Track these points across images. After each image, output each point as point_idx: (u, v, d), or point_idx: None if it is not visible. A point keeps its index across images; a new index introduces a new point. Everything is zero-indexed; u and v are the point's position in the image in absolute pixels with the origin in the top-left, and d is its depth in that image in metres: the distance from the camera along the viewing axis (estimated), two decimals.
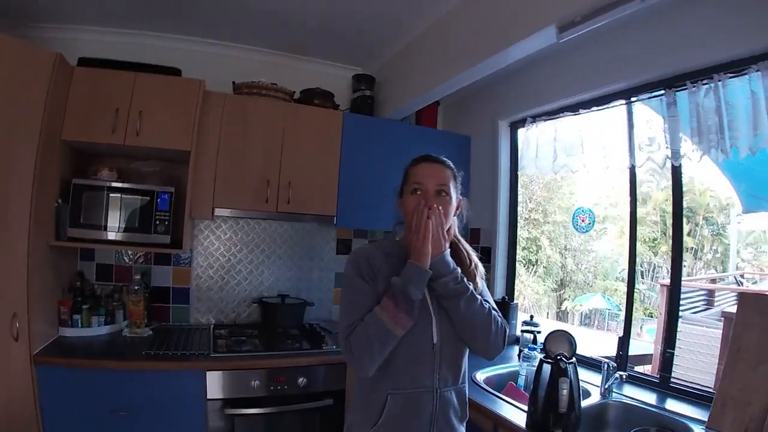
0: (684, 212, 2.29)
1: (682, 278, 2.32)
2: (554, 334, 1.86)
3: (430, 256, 1.33)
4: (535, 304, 8.99)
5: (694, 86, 2.03)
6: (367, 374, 1.36)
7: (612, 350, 2.34)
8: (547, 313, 9.29)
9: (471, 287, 1.37)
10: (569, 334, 1.86)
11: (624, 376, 2.12)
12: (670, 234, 2.37)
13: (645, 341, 6.21)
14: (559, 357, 1.73)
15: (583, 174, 2.70)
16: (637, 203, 2.51)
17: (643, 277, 8.94)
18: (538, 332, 2.67)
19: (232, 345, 2.48)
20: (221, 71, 2.89)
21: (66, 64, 2.27)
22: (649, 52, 2.15)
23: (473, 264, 1.49)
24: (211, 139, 2.59)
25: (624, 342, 2.35)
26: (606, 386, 2.05)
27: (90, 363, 2.16)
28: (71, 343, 2.34)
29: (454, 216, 1.48)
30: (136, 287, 2.62)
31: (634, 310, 2.59)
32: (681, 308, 5.18)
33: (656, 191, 7.90)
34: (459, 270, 1.38)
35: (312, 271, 3.25)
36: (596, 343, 2.74)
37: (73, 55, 2.38)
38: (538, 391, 1.73)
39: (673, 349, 2.22)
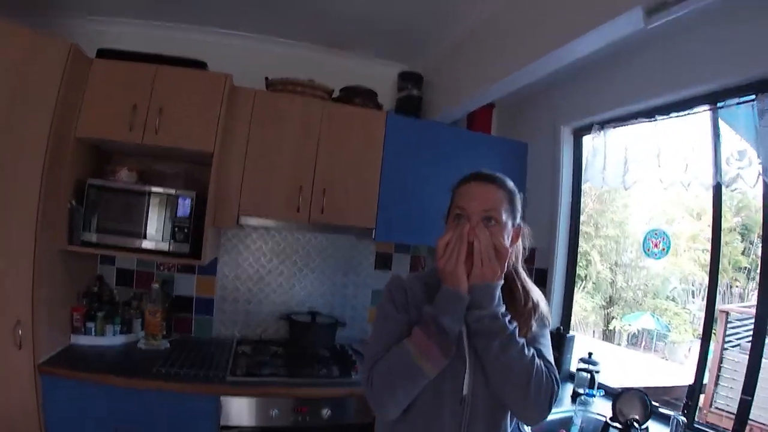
0: (739, 229, 1.96)
1: (741, 306, 1.97)
2: (627, 395, 1.64)
3: (466, 281, 1.12)
4: (581, 322, 8.54)
5: None
6: (388, 416, 1.20)
7: (658, 377, 1.99)
8: (593, 332, 8.80)
9: (514, 329, 1.13)
10: (643, 393, 1.58)
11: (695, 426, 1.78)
12: (724, 252, 1.99)
13: (691, 365, 5.76)
14: (630, 422, 1.43)
15: (657, 188, 2.31)
16: (691, 218, 2.17)
17: (693, 297, 8.38)
18: (597, 372, 2.35)
19: (253, 367, 2.24)
20: (253, 66, 2.66)
21: (82, 56, 2.12)
22: (739, 49, 1.83)
23: (531, 303, 1.24)
24: (238, 140, 2.37)
25: (696, 390, 2.02)
26: None
27: (95, 377, 2.00)
28: (82, 353, 2.20)
29: (510, 247, 1.22)
30: (154, 297, 2.43)
31: (683, 330, 2.23)
32: (737, 336, 4.67)
33: (710, 206, 7.39)
34: (503, 308, 1.14)
35: (347, 287, 2.98)
36: (645, 368, 2.40)
37: (94, 46, 2.23)
38: None
39: (753, 396, 1.84)
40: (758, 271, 2.04)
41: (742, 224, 8.25)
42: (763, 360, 2.02)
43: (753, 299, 8.19)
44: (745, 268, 8.60)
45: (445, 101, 2.76)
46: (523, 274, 1.32)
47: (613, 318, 8.91)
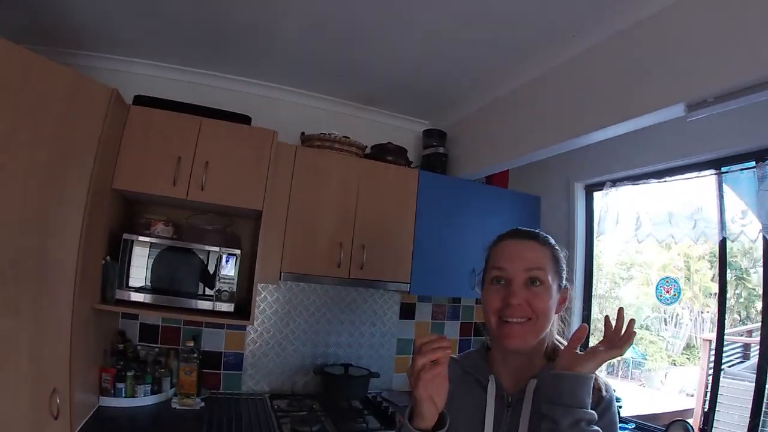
0: (708, 257, 2.33)
1: (708, 328, 2.39)
2: (675, 425, 1.85)
3: (432, 416, 0.96)
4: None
5: None
6: None
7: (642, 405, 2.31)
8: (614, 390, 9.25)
9: None
10: (686, 422, 1.85)
11: None
12: (695, 280, 2.38)
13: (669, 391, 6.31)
14: None
15: (669, 242, 2.68)
16: (661, 249, 2.53)
17: (666, 324, 8.97)
18: (621, 407, 2.63)
19: (298, 423, 2.34)
20: (287, 117, 2.88)
21: (121, 102, 2.14)
22: (742, 122, 2.14)
23: (598, 388, 1.03)
24: (281, 196, 2.52)
25: (709, 418, 2.33)
26: None
27: None
28: (114, 416, 2.18)
29: (556, 313, 1.13)
30: (187, 355, 2.50)
31: (659, 358, 2.61)
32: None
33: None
34: (594, 413, 0.95)
35: (374, 337, 3.16)
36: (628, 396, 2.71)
37: (125, 90, 2.24)
38: None
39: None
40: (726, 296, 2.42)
41: (710, 252, 8.98)
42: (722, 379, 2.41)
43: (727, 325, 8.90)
44: (715, 293, 9.34)
45: (468, 163, 3.05)
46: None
47: None
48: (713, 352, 4.56)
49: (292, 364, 2.93)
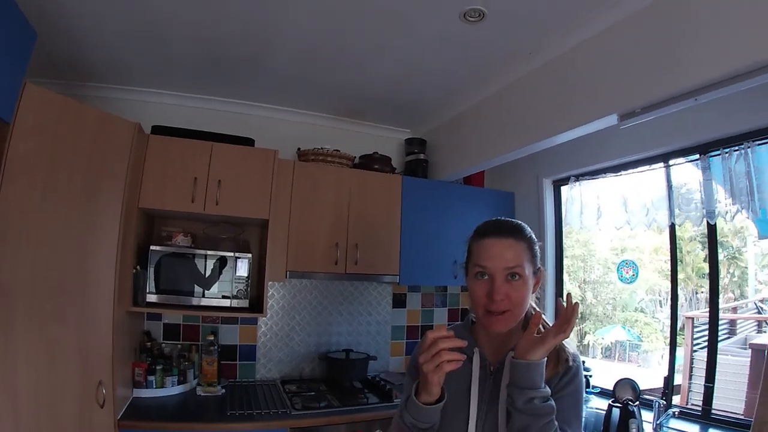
0: (699, 238, 2.71)
1: (703, 309, 2.74)
2: (621, 382, 2.31)
3: (438, 392, 1.14)
4: None
5: (726, 152, 2.46)
6: None
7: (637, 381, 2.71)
8: (583, 362, 9.59)
9: (555, 411, 1.12)
10: (633, 381, 2.30)
11: (676, 413, 2.55)
12: (687, 261, 2.79)
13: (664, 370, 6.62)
14: (626, 401, 2.16)
15: (625, 229, 3.11)
16: (652, 232, 2.88)
17: (661, 307, 9.43)
18: (590, 376, 3.09)
19: (309, 402, 2.81)
20: (285, 134, 3.37)
21: (142, 132, 2.54)
22: (686, 121, 2.54)
23: (566, 358, 1.25)
24: (282, 205, 2.96)
25: (669, 380, 2.76)
26: (658, 422, 2.47)
27: (176, 425, 2.39)
28: (148, 405, 2.57)
29: (532, 293, 1.30)
30: (210, 347, 2.97)
31: (654, 339, 3.00)
32: (704, 338, 5.69)
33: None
34: (548, 390, 1.14)
35: (370, 325, 3.65)
36: (624, 374, 3.15)
37: (140, 117, 2.61)
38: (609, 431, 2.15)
39: (713, 383, 2.60)
40: (720, 275, 2.81)
41: (701, 233, 9.39)
42: (719, 356, 2.77)
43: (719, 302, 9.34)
44: (708, 273, 9.76)
45: (447, 167, 3.52)
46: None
47: (586, 333, 9.85)
48: (696, 329, 5.07)
49: (299, 353, 3.41)
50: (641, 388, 2.59)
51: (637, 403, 2.20)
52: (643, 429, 2.16)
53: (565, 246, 3.59)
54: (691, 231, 8.78)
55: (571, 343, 1.28)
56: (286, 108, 3.47)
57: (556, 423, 1.11)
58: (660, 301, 9.41)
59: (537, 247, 1.31)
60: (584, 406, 2.70)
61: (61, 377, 2.05)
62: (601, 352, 9.47)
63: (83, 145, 2.15)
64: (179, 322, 3.13)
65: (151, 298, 2.65)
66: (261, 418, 2.56)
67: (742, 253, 9.49)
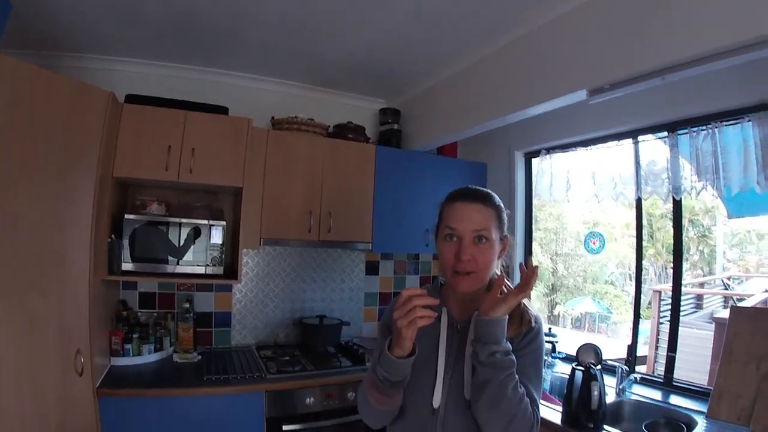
0: (669, 216, 2.83)
1: (671, 284, 2.90)
2: (584, 347, 2.44)
3: (410, 347, 1.21)
4: None
5: (694, 131, 2.58)
6: (375, 428, 1.46)
7: (606, 351, 2.88)
8: (550, 329, 9.91)
9: (515, 365, 1.23)
10: (596, 345, 2.45)
11: (638, 378, 2.75)
12: (657, 237, 2.93)
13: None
14: (589, 365, 2.31)
15: (593, 201, 3.24)
16: (623, 207, 3.02)
17: (630, 280, 9.75)
18: (556, 342, 3.28)
19: (283, 366, 2.92)
20: (259, 103, 3.39)
21: (116, 102, 2.53)
22: (656, 99, 2.67)
23: (521, 305, 1.35)
24: (256, 173, 3.00)
25: (632, 348, 2.95)
26: (620, 386, 2.66)
27: (154, 391, 2.47)
28: (125, 373, 2.63)
29: (498, 258, 1.40)
30: (186, 315, 3.05)
31: (624, 311, 3.18)
32: (671, 311, 5.96)
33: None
34: (509, 345, 1.24)
35: (344, 292, 3.77)
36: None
37: (114, 87, 2.58)
38: (572, 393, 2.30)
39: (675, 352, 2.80)
40: (690, 252, 2.97)
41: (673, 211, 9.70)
42: (686, 329, 2.91)
43: (687, 278, 9.73)
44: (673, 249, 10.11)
45: (421, 137, 3.62)
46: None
47: (556, 304, 10.18)
48: (662, 302, 5.29)
49: (273, 319, 3.52)
50: (610, 358, 2.76)
51: (599, 366, 2.34)
52: (604, 391, 2.30)
53: (538, 219, 3.73)
54: (662, 208, 9.05)
55: (533, 307, 1.40)
56: (260, 77, 3.50)
57: (516, 377, 1.22)
58: (629, 274, 9.70)
59: (505, 216, 1.39)
60: (549, 370, 2.89)
61: (41, 347, 2.11)
62: (571, 323, 9.81)
63: (58, 115, 2.17)
64: (154, 291, 3.19)
65: (127, 266, 2.69)
66: (237, 382, 2.67)
67: (711, 231, 9.86)
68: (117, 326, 2.84)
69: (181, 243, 2.83)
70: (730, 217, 6.74)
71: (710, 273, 9.56)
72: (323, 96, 3.73)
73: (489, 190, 1.40)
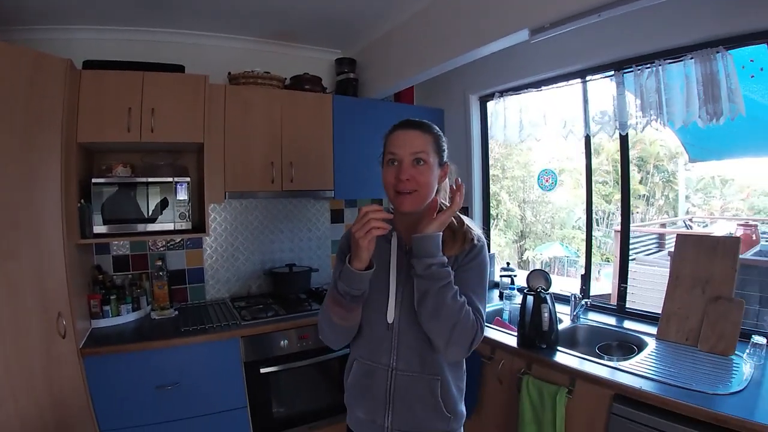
0: (635, 161, 3.03)
1: (636, 224, 3.14)
2: (534, 273, 2.62)
3: (367, 259, 1.33)
4: (498, 255, 10.05)
5: (639, 69, 2.72)
6: (335, 348, 1.60)
7: (573, 291, 3.09)
8: (508, 264, 10.21)
9: (452, 276, 1.38)
10: (545, 271, 2.63)
11: (588, 303, 2.97)
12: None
13: (603, 285, 7.26)
14: (539, 289, 2.50)
15: (544, 140, 3.42)
16: (591, 154, 3.21)
17: (598, 225, 10.11)
18: (515, 276, 3.50)
19: (257, 313, 3.09)
20: (216, 60, 3.43)
21: (74, 69, 2.57)
22: (603, 40, 2.82)
23: (465, 225, 1.52)
24: (217, 129, 3.06)
25: (586, 278, 3.15)
26: (575, 313, 2.89)
27: (136, 346, 2.60)
28: (107, 334, 2.74)
29: (439, 183, 1.51)
30: (159, 273, 3.17)
31: (591, 255, 3.40)
32: (635, 251, 6.29)
33: (608, 142, 8.94)
34: (445, 258, 1.39)
35: (311, 241, 3.94)
36: (560, 285, 3.52)
37: (72, 55, 2.59)
38: (525, 317, 2.50)
39: (626, 283, 3.04)
40: (655, 197, 3.18)
41: (638, 156, 10.08)
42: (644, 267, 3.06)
43: (651, 219, 10.07)
44: (644, 195, 10.52)
45: (377, 84, 3.71)
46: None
47: (526, 250, 10.51)
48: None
49: (245, 271, 3.67)
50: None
51: (550, 291, 2.53)
52: (555, 314, 2.48)
53: (505, 167, 3.90)
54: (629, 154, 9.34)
55: (477, 228, 1.55)
56: (215, 34, 3.52)
57: (455, 287, 1.36)
58: (597, 219, 10.08)
59: (444, 143, 1.52)
60: (508, 302, 3.08)
61: (22, 311, 2.21)
62: (541, 267, 10.09)
63: (18, 86, 2.22)
64: (127, 253, 3.28)
65: (98, 230, 2.75)
66: (213, 330, 2.83)
67: (676, 177, 10.21)
68: (94, 290, 2.92)
69: (149, 202, 2.90)
70: (691, 160, 6.99)
71: (675, 215, 9.95)
72: (279, 49, 3.78)
73: (428, 122, 1.52)
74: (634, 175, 9.87)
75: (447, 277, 1.35)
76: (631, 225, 3.21)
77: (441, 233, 1.38)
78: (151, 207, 2.90)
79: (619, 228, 3.17)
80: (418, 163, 1.42)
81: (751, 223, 6.54)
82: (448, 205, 1.42)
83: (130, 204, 2.86)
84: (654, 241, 7.53)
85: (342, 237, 1.65)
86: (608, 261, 8.68)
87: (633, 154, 9.80)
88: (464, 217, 1.56)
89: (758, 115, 2.76)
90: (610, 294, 5.46)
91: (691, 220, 9.02)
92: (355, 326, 1.50)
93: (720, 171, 9.65)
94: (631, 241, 5.72)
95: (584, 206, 3.35)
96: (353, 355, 1.59)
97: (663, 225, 9.04)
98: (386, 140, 1.51)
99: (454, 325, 1.33)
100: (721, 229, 8.07)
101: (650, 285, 5.02)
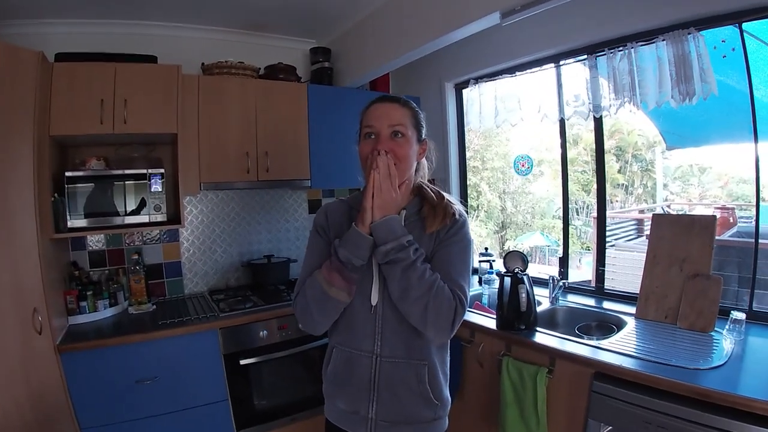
0: (613, 151, 3.10)
1: (616, 211, 3.21)
2: (510, 254, 2.64)
3: (376, 215, 1.33)
4: (479, 246, 10.16)
5: (611, 52, 2.76)
6: (315, 333, 1.48)
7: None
8: (487, 249, 10.33)
9: (417, 256, 1.35)
10: (522, 252, 2.66)
11: (566, 284, 3.05)
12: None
13: (584, 272, 7.32)
14: (516, 270, 2.54)
15: (520, 125, 3.45)
16: (569, 145, 3.29)
17: (578, 215, 10.25)
18: (493, 261, 3.54)
19: (235, 304, 3.09)
20: (188, 52, 3.40)
21: (46, 62, 2.56)
22: (575, 24, 2.86)
23: (445, 200, 1.51)
24: (191, 120, 3.05)
25: (564, 260, 3.25)
26: (553, 295, 2.95)
27: (114, 341, 2.58)
28: (84, 330, 2.72)
29: (418, 160, 1.52)
30: (135, 267, 3.15)
31: (571, 243, 3.46)
32: (615, 237, 6.38)
33: (586, 132, 9.07)
34: (409, 236, 1.36)
35: (289, 232, 3.95)
36: (540, 272, 3.59)
37: (44, 49, 2.58)
38: (503, 299, 2.53)
39: (605, 266, 3.12)
40: (634, 186, 3.26)
41: (617, 146, 10.25)
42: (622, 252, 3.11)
43: (629, 207, 10.23)
44: (622, 184, 10.69)
45: (352, 73, 3.72)
46: (432, 187, 1.57)
47: (507, 240, 10.62)
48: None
49: (223, 264, 3.67)
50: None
51: (526, 272, 2.57)
52: (533, 295, 2.52)
53: (485, 158, 3.93)
54: (606, 144, 9.48)
55: (458, 204, 1.54)
56: (187, 25, 3.50)
57: (421, 267, 1.33)
58: (577, 209, 10.21)
59: (422, 119, 1.52)
60: (487, 286, 3.11)
61: None
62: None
63: None
64: (103, 248, 3.26)
65: (73, 224, 2.74)
66: (191, 322, 2.83)
67: (654, 166, 10.39)
68: (70, 286, 2.91)
69: (123, 194, 2.88)
70: (669, 147, 7.10)
71: (654, 203, 10.13)
72: (253, 39, 3.77)
73: (406, 97, 1.53)
74: (613, 164, 10.02)
75: (407, 258, 1.32)
76: (608, 211, 3.27)
77: (397, 215, 1.37)
78: (126, 200, 2.89)
79: (596, 214, 3.23)
80: (396, 136, 1.41)
81: (728, 206, 6.67)
82: (428, 184, 1.46)
83: (105, 197, 2.84)
84: (633, 227, 7.66)
85: (318, 212, 1.62)
86: (588, 249, 8.76)
87: (611, 144, 10.02)
88: (444, 193, 1.54)
89: (733, 99, 2.82)
90: (590, 280, 5.53)
91: (669, 206, 9.16)
92: (343, 305, 1.43)
93: (697, 159, 9.82)
94: (610, 227, 5.86)
95: (562, 192, 3.40)
96: (333, 341, 1.55)
97: (641, 212, 9.19)
98: (363, 115, 1.49)
99: (426, 306, 1.31)
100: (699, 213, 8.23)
101: (630, 270, 5.06)
